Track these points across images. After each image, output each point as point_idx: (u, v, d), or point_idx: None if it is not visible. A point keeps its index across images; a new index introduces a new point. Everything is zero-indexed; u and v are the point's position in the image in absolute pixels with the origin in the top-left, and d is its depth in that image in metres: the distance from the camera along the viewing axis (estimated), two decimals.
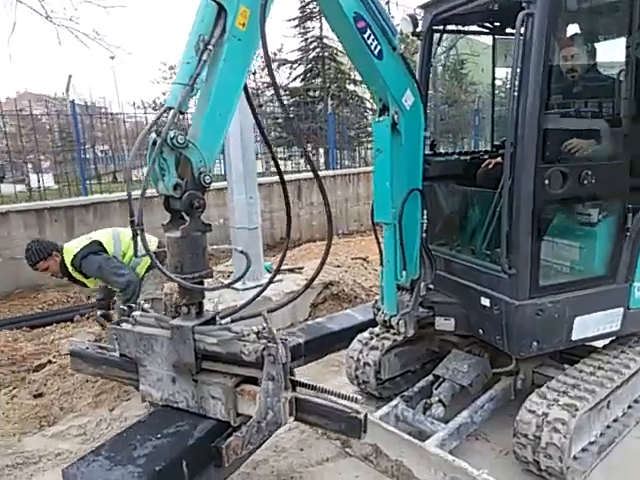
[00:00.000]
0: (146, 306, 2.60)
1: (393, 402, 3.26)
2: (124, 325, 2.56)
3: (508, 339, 2.96)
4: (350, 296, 5.63)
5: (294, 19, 21.38)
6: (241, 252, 2.48)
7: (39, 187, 9.85)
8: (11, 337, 5.42)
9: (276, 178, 10.66)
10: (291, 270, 5.70)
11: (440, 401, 3.21)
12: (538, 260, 2.92)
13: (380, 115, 3.11)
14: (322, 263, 2.73)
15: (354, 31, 2.73)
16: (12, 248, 7.37)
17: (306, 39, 22.41)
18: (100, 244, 4.31)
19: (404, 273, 3.19)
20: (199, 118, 2.32)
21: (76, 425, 3.65)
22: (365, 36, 2.79)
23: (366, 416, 2.21)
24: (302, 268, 5.87)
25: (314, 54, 22.76)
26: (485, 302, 3.07)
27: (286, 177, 12.13)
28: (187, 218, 2.27)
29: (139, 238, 2.13)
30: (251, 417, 2.31)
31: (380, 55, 2.86)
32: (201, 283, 2.38)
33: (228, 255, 6.94)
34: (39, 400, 3.98)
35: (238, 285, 5.33)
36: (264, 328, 2.22)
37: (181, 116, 2.27)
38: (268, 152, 2.46)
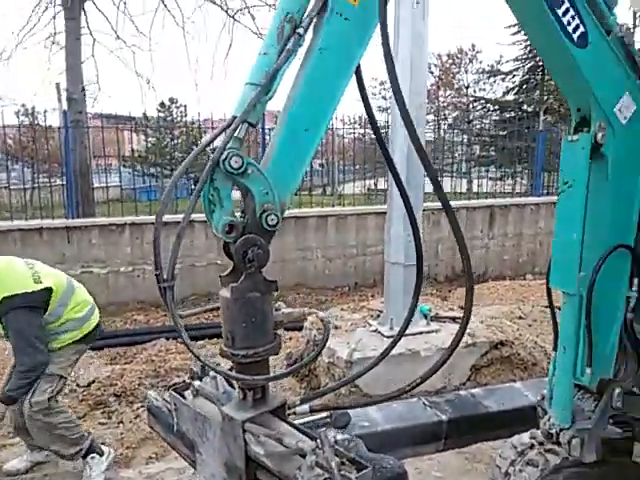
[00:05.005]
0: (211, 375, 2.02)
1: None
2: (187, 394, 2.02)
3: None
4: (526, 362, 4.38)
5: (513, 25, 19.70)
6: (321, 320, 1.74)
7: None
8: (164, 348, 5.48)
9: (462, 202, 9.57)
10: (454, 319, 4.69)
11: None
12: None
13: (575, 132, 2.15)
14: (464, 325, 1.78)
15: (542, 5, 1.86)
16: (193, 257, 7.70)
17: (526, 46, 20.56)
18: (50, 293, 3.09)
19: (588, 370, 2.12)
20: (276, 133, 1.67)
21: (175, 468, 3.30)
22: (559, 12, 1.90)
23: None
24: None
25: (532, 63, 20.77)
26: None
27: (476, 203, 10.70)
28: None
29: (168, 300, 1.54)
30: None
31: (582, 41, 1.96)
32: (260, 362, 1.71)
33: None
34: None
35: (384, 330, 4.55)
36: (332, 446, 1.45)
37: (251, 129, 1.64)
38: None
